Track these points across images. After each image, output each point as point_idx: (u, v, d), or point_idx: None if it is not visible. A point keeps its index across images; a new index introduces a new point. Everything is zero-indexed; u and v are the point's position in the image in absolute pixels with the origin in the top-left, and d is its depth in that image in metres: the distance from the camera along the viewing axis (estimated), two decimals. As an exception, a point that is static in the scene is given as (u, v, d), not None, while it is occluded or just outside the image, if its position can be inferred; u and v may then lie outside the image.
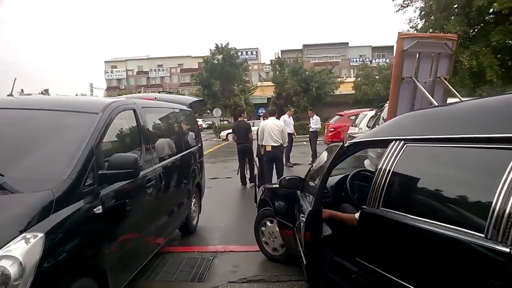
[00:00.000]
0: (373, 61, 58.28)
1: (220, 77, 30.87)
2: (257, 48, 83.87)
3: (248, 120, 33.98)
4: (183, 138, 5.55)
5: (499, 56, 11.30)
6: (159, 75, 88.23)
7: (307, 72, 30.52)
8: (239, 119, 9.60)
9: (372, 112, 12.04)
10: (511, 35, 10.07)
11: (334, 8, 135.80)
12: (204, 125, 53.59)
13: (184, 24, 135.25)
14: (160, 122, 4.92)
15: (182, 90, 73.05)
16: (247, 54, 64.97)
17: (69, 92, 69.99)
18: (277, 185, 4.86)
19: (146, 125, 4.06)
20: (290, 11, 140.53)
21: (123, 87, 72.79)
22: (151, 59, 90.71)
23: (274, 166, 7.97)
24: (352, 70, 61.37)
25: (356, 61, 68.92)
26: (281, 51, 72.61)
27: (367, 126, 11.61)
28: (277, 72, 32.62)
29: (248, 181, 9.29)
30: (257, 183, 7.97)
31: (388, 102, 7.68)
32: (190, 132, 6.24)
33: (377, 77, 32.60)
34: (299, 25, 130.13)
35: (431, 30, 11.52)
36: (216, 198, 8.06)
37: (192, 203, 5.72)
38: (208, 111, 61.07)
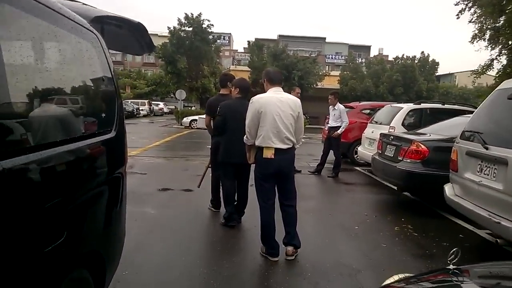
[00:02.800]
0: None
1: (187, 53, 26.17)
2: (230, 33, 79.28)
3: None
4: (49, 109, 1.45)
5: None
6: (120, 52, 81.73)
7: (289, 59, 26.53)
8: (225, 93, 5.00)
9: (409, 106, 8.20)
10: None
11: (312, 2, 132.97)
12: (165, 109, 48.69)
13: (151, 1, 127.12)
14: None
15: (144, 70, 67.33)
16: (219, 40, 60.90)
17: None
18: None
19: None
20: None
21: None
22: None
23: (277, 189, 3.86)
24: (327, 66, 58.58)
25: (332, 58, 66.47)
26: (255, 39, 68.62)
27: (402, 124, 7.81)
28: (255, 56, 28.40)
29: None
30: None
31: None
32: (85, 94, 2.05)
33: (365, 72, 29.23)
34: (275, 15, 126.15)
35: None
36: (163, 244, 3.88)
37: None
38: (172, 95, 56.21)
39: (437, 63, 28.59)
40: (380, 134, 6.69)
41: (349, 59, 30.31)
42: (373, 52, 67.53)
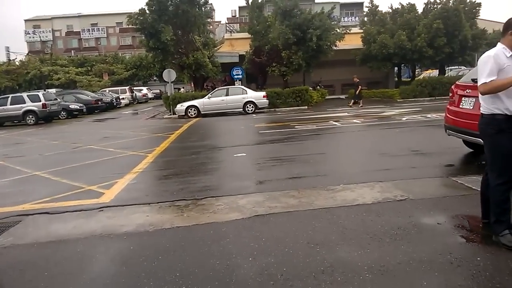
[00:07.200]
0: (342, 19, 49.94)
1: (173, 21, 20.20)
2: (211, 3, 72.16)
3: (213, 88, 22.54)
4: None
5: None
6: (94, 36, 74.36)
7: (302, 15, 20.69)
8: None
9: None
10: None
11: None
12: (150, 95, 42.58)
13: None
14: None
15: (122, 53, 60.46)
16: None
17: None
18: None
19: None
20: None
21: (48, 51, 58.73)
22: (83, 16, 76.28)
23: None
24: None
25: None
26: (239, 7, 62.29)
27: None
28: (255, 19, 22.51)
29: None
30: None
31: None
32: None
33: (391, 24, 23.58)
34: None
35: None
36: None
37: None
38: (155, 78, 49.62)
39: (479, 4, 23.09)
40: None
41: (371, 10, 24.51)
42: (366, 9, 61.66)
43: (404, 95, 20.64)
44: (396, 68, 27.20)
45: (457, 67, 29.00)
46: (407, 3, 24.42)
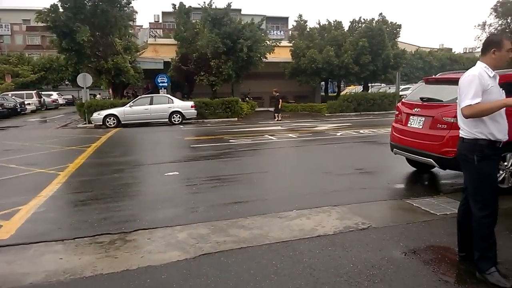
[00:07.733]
0: (268, 32, 51.08)
1: (90, 21, 18.36)
2: (132, 6, 68.88)
3: (135, 96, 21.04)
4: None
5: None
6: (-12, 33, 66.12)
7: (233, 24, 20.20)
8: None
9: None
10: None
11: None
12: (61, 101, 38.80)
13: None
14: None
15: (29, 54, 54.49)
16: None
17: None
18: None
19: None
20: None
21: None
22: (-18, 11, 67.66)
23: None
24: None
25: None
26: (163, 12, 60.42)
27: None
28: (182, 25, 21.59)
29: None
30: None
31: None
32: None
33: (320, 40, 24.20)
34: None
35: None
36: None
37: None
38: (67, 82, 45.27)
39: (399, 26, 24.80)
40: None
41: (299, 24, 24.97)
42: (291, 24, 63.94)
43: (331, 109, 21.22)
44: (323, 83, 28.05)
45: (378, 84, 30.89)
46: (334, 20, 25.44)
